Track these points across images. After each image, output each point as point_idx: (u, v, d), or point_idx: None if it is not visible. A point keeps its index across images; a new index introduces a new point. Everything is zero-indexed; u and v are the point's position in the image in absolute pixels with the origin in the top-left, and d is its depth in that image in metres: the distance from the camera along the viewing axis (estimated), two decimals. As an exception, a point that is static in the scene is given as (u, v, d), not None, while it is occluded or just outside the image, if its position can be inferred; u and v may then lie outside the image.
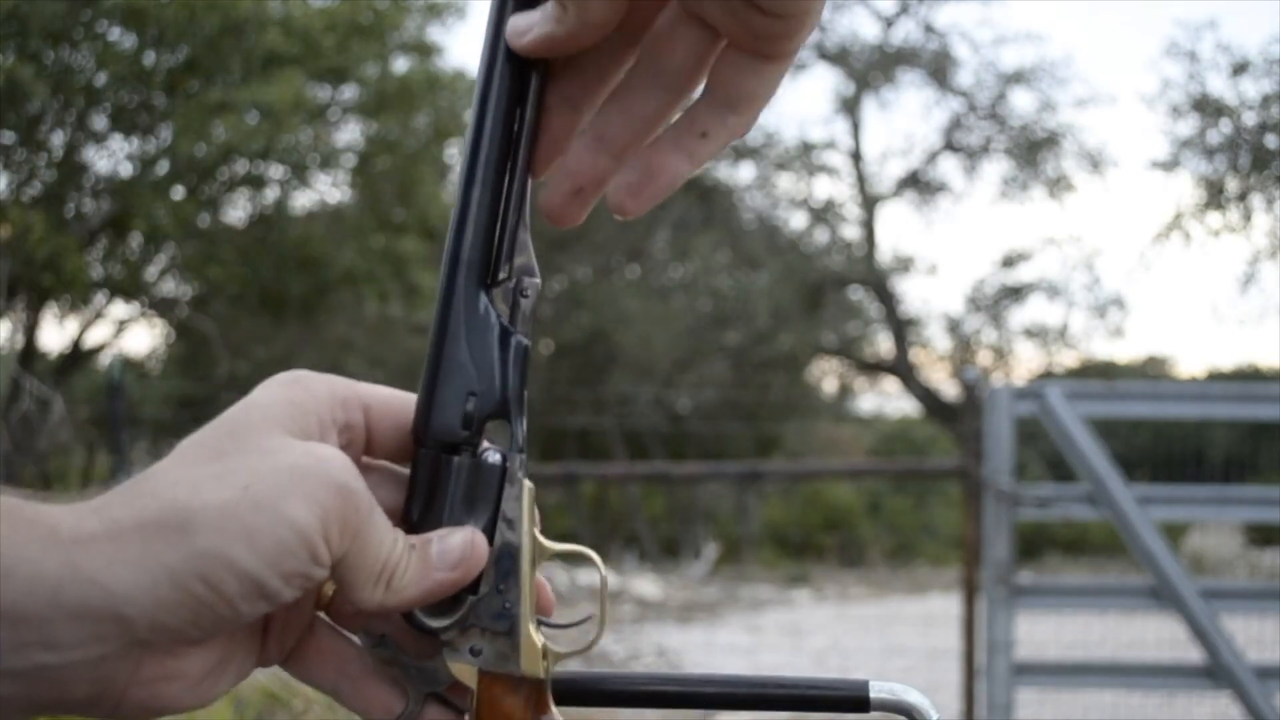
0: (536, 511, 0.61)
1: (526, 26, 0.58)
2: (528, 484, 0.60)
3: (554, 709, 0.60)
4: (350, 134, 12.57)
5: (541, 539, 0.61)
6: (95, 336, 13.63)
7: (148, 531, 0.52)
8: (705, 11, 0.57)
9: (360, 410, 0.60)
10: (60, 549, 0.52)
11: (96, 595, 0.51)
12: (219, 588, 0.52)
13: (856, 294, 18.49)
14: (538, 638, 0.60)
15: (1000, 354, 18.20)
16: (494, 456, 0.59)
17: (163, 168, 11.46)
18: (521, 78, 0.59)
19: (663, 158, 0.60)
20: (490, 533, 0.59)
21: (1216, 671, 4.98)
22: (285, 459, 0.55)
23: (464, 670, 0.59)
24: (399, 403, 0.61)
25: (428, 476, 0.59)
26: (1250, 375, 17.63)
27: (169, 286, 13.52)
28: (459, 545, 0.58)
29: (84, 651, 0.52)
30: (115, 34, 10.91)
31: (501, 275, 0.60)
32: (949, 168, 18.94)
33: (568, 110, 0.61)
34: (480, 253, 0.59)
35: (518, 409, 0.60)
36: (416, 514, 0.59)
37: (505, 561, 0.59)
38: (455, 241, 0.59)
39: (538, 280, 0.62)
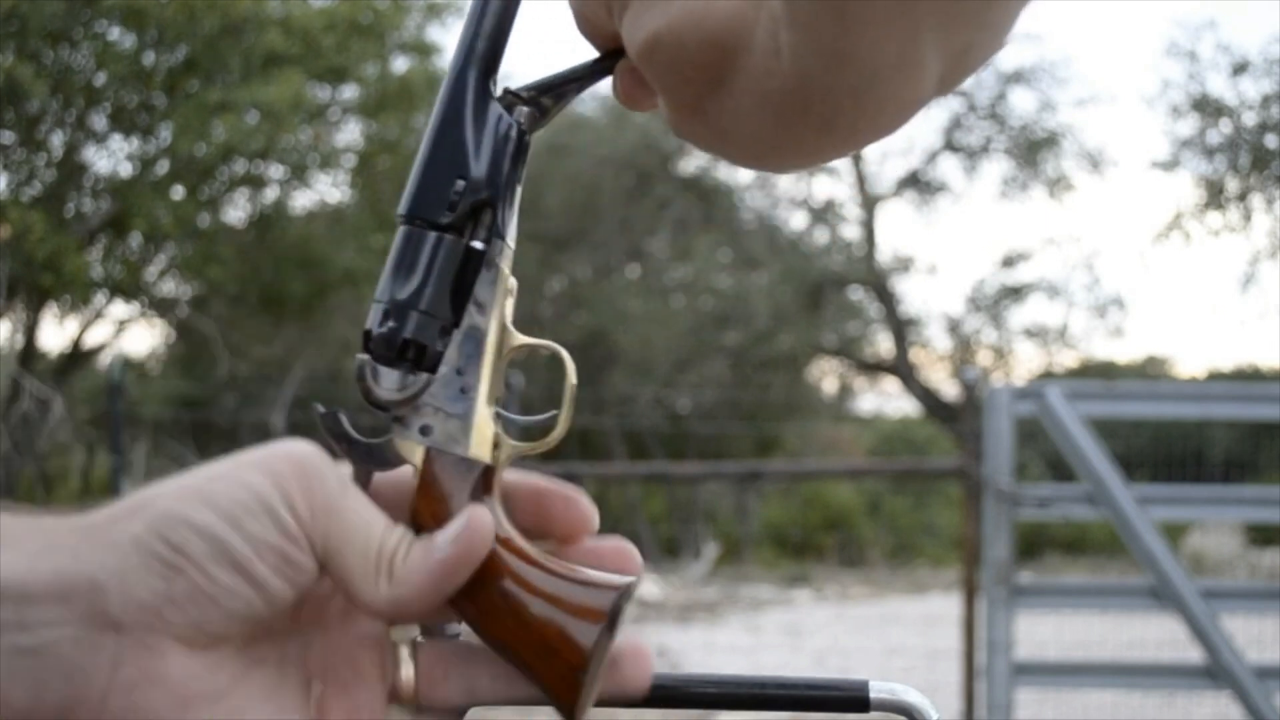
0: (510, 305, 0.60)
1: None
2: (508, 274, 0.60)
3: (497, 496, 0.59)
4: (350, 134, 12.58)
5: (511, 329, 0.60)
6: (95, 336, 13.63)
7: (116, 516, 0.53)
8: None
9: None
10: (41, 533, 0.53)
11: (70, 565, 0.52)
12: (182, 547, 0.52)
13: (856, 294, 18.49)
14: (493, 426, 0.59)
15: (1000, 354, 18.21)
16: (476, 242, 0.59)
17: (163, 168, 11.46)
18: None
19: None
20: (459, 313, 0.59)
21: (1216, 671, 4.98)
22: (248, 454, 0.56)
23: (410, 448, 0.58)
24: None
25: (408, 251, 0.59)
26: (1250, 375, 17.62)
27: (169, 286, 13.53)
28: (459, 523, 0.56)
29: (58, 630, 0.51)
30: (115, 34, 10.91)
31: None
32: (949, 168, 18.96)
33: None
34: (491, 46, 0.60)
35: (507, 198, 0.60)
36: (395, 289, 0.59)
37: (469, 344, 0.59)
38: (470, 37, 0.60)
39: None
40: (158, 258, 12.50)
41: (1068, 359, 18.41)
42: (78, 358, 13.53)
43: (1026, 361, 18.41)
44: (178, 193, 11.30)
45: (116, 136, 11.69)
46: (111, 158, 12.04)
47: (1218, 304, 28.96)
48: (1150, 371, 21.22)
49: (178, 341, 17.57)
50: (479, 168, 0.59)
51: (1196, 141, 14.07)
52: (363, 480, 0.58)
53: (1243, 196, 13.95)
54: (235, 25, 10.48)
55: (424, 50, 12.31)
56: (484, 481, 0.58)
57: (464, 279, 0.59)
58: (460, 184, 0.59)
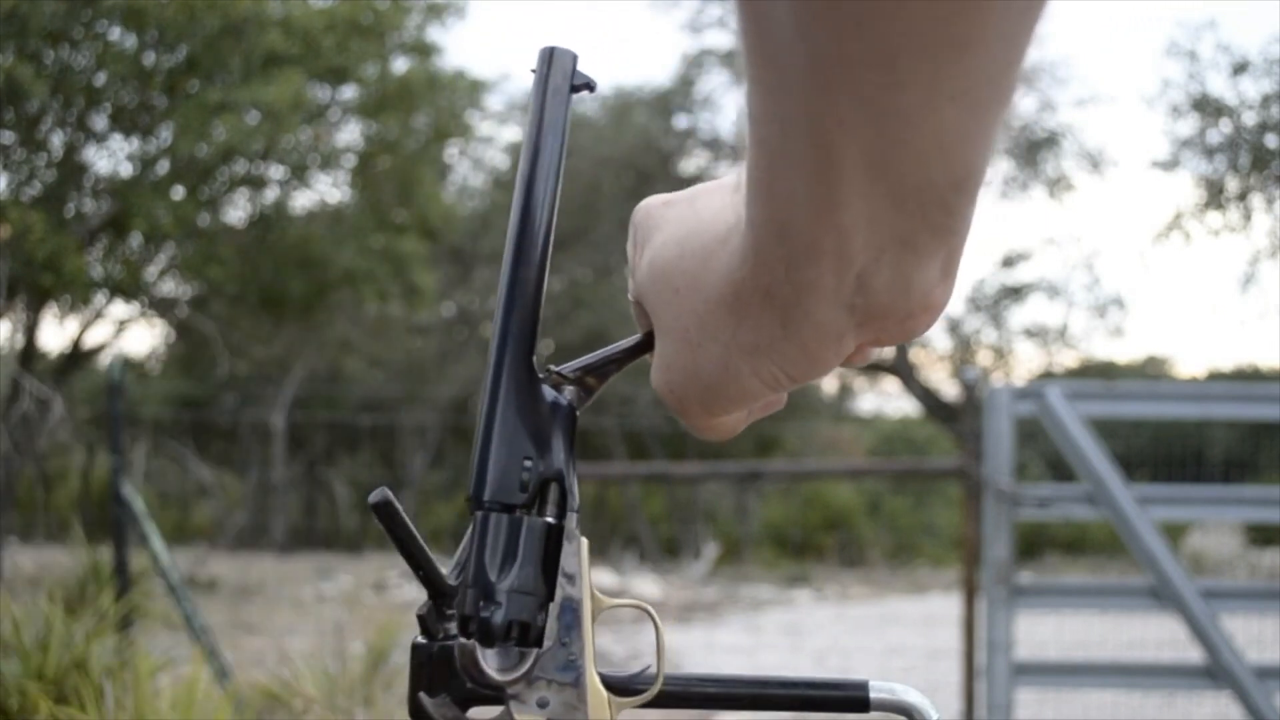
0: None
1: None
2: (584, 540, 0.63)
3: None
4: (350, 134, 12.58)
5: (598, 594, 0.63)
6: (95, 336, 13.63)
7: None
8: None
9: None
10: None
11: None
12: None
13: (856, 294, 18.46)
14: (602, 688, 0.62)
15: (1000, 354, 18.21)
16: (551, 517, 0.62)
17: (163, 168, 11.46)
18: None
19: None
20: (552, 588, 0.62)
21: (1216, 671, 4.98)
22: None
23: None
24: None
25: (492, 535, 0.61)
26: (1250, 375, 17.64)
27: (169, 286, 13.52)
28: None
29: None
30: (115, 34, 10.91)
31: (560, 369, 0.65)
32: (949, 168, 18.91)
33: None
34: (527, 327, 0.63)
35: (570, 471, 0.63)
36: (487, 573, 0.60)
37: (568, 615, 0.62)
38: (504, 317, 0.63)
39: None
40: (158, 258, 12.49)
41: (1068, 359, 18.43)
42: (78, 358, 13.53)
43: (1026, 361, 18.43)
44: (178, 193, 11.29)
45: (116, 136, 11.69)
46: (111, 158, 12.04)
47: (1218, 304, 29.01)
48: (1150, 371, 21.24)
49: (178, 341, 17.57)
50: (542, 448, 0.62)
51: (1196, 141, 14.06)
52: None
53: (1243, 196, 13.95)
54: (235, 25, 10.48)
55: (424, 50, 12.31)
56: None
57: (550, 554, 0.62)
58: (528, 464, 0.62)
